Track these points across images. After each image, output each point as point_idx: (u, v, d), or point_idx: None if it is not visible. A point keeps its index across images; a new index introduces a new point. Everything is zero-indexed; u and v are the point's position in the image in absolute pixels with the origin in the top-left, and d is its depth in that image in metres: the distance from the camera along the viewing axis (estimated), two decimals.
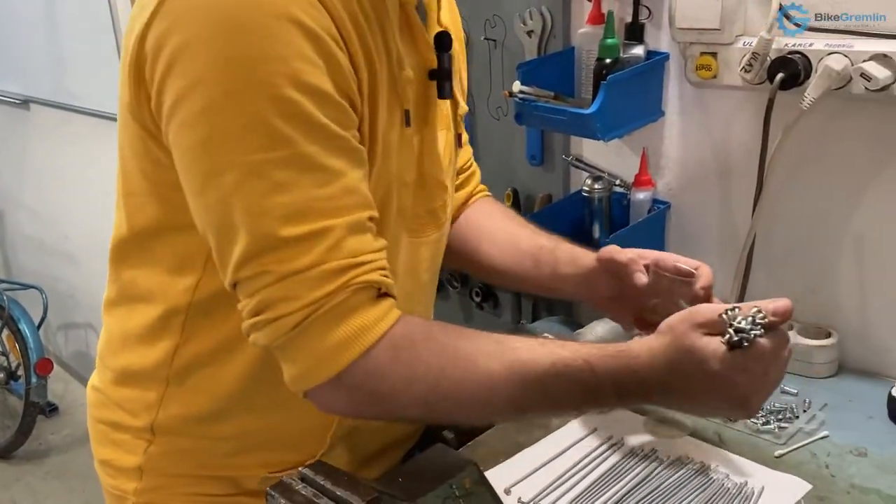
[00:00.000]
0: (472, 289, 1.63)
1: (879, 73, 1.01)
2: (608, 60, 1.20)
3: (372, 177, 0.78)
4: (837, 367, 1.17)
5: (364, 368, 0.72)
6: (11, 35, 2.89)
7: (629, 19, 1.24)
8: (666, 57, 1.25)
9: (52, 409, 3.13)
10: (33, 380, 2.79)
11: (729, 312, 0.74)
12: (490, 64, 1.48)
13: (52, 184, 3.05)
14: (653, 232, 1.32)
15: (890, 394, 1.04)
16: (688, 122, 1.27)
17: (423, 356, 0.75)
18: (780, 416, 1.04)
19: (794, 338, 1.16)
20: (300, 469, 0.76)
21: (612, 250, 0.96)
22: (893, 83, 1.01)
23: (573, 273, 1.00)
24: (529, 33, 1.39)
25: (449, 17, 0.93)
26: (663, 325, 0.78)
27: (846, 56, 1.04)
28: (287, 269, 0.70)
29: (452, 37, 0.88)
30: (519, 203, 1.51)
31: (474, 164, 1.15)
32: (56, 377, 3.07)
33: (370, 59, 0.74)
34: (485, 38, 1.47)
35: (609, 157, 1.37)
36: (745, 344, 0.73)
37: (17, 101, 2.97)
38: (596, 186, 1.33)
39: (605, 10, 1.25)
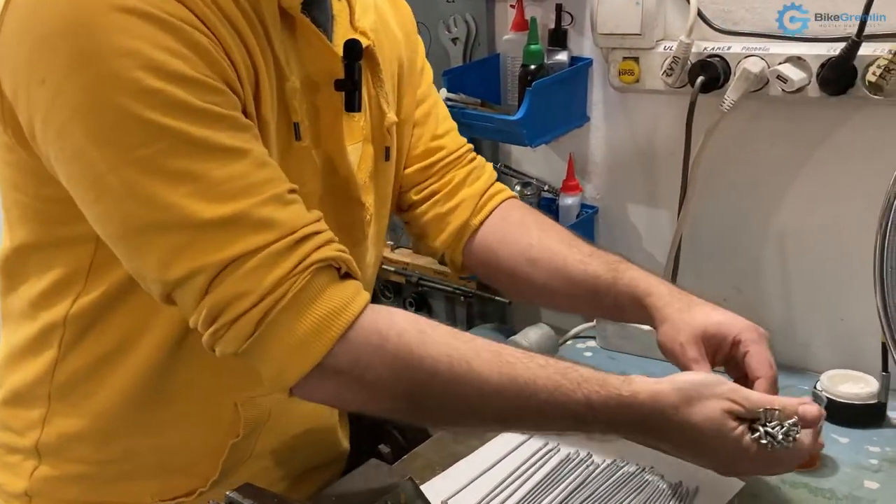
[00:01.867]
0: (405, 299, 1.61)
1: (795, 74, 1.03)
2: (533, 67, 1.20)
3: None
4: None
5: (347, 354, 0.69)
6: None
7: (552, 25, 1.25)
8: (589, 62, 1.26)
9: None
10: None
11: (767, 412, 0.76)
12: None
13: None
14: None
15: (814, 391, 1.06)
16: (613, 126, 1.28)
17: (414, 348, 0.71)
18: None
19: None
20: (227, 493, 0.73)
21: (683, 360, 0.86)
22: (808, 84, 1.04)
23: (637, 318, 0.93)
24: (454, 40, 1.38)
25: (374, 21, 0.88)
26: (689, 386, 0.76)
27: (763, 59, 1.06)
28: (219, 258, 0.65)
29: (370, 41, 0.83)
30: None
31: (478, 157, 1.01)
32: None
33: (254, 60, 0.71)
34: None
35: (537, 163, 1.37)
36: (769, 448, 0.76)
37: None
38: (525, 193, 1.33)
39: (528, 16, 1.26)
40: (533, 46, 1.21)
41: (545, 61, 1.22)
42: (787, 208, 1.16)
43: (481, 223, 0.97)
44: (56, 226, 0.74)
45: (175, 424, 0.82)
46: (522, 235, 0.96)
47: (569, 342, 1.29)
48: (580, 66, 1.25)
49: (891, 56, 0.95)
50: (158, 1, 0.64)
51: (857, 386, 1.05)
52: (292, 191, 0.71)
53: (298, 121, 0.76)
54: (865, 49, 0.99)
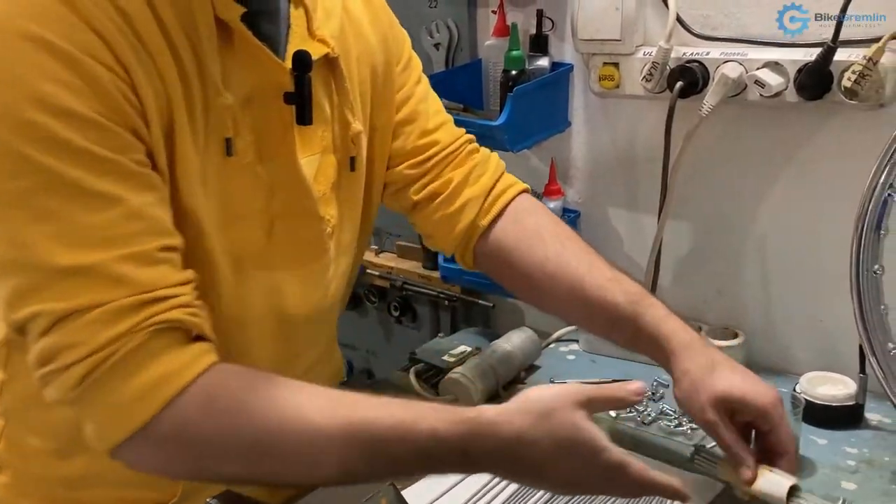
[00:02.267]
0: (389, 303, 1.62)
1: (772, 79, 1.04)
2: (514, 72, 1.21)
3: (180, 210, 0.72)
4: (746, 366, 1.20)
5: (173, 420, 0.66)
6: None
7: (533, 31, 1.26)
8: (570, 68, 1.26)
9: None
10: None
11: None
12: None
13: None
14: None
15: (793, 393, 1.07)
16: (594, 131, 1.29)
17: (244, 407, 0.68)
18: (692, 418, 1.06)
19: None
20: (207, 500, 0.73)
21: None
22: (786, 89, 1.05)
23: (651, 356, 0.90)
24: (437, 46, 1.39)
25: (341, 26, 0.85)
26: (540, 403, 0.71)
27: (741, 64, 1.07)
28: (63, 307, 0.64)
29: (330, 49, 0.81)
30: None
31: (481, 150, 0.99)
32: None
33: (165, 83, 0.69)
34: None
35: (519, 167, 1.36)
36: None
37: None
38: None
39: (509, 22, 1.27)
40: (514, 52, 1.22)
41: (526, 66, 1.23)
42: (766, 211, 1.17)
43: (491, 223, 0.95)
44: None
45: None
46: (538, 246, 0.93)
47: (552, 345, 1.30)
48: (561, 72, 1.26)
49: (865, 62, 0.96)
50: (66, 28, 0.63)
51: (835, 388, 1.06)
52: (167, 248, 0.69)
53: (231, 136, 0.74)
54: (841, 55, 1.00)
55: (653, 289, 1.26)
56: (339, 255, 0.90)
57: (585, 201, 1.34)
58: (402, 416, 0.69)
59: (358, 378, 1.67)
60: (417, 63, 0.99)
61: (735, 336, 1.20)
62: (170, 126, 0.70)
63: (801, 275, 1.17)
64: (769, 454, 0.82)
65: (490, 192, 0.96)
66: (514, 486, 0.93)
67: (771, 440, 0.82)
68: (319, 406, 0.69)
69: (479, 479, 0.95)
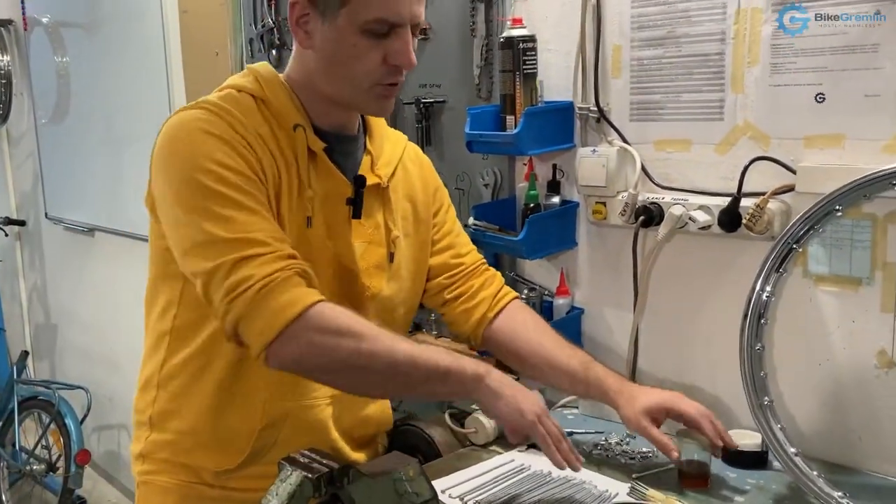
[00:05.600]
0: None
1: (702, 217, 1.49)
2: (531, 205, 1.71)
3: None
4: None
5: (307, 319, 1.08)
6: (77, 169, 3.39)
7: (550, 178, 1.76)
8: (577, 204, 1.75)
9: (81, 502, 3.44)
10: (72, 469, 3.15)
11: None
12: (460, 206, 2.00)
13: (108, 302, 3.48)
14: (569, 329, 1.77)
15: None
16: (593, 249, 1.76)
17: (344, 315, 1.12)
18: (644, 457, 1.47)
19: None
20: (301, 451, 1.17)
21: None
22: (712, 225, 1.50)
23: (597, 399, 1.42)
24: (486, 185, 1.91)
25: (394, 172, 1.32)
26: None
27: (683, 206, 1.53)
28: (235, 257, 1.07)
29: (380, 181, 1.27)
30: None
31: (491, 269, 1.48)
32: (86, 475, 3.29)
33: (277, 173, 1.17)
34: (456, 188, 1.99)
35: (542, 274, 1.85)
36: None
37: (84, 230, 3.48)
38: (531, 295, 1.80)
39: (536, 171, 1.78)
40: (531, 192, 1.72)
41: (543, 202, 1.73)
42: (707, 312, 1.59)
43: (495, 316, 1.45)
44: (165, 265, 1.22)
45: (220, 409, 1.25)
46: (524, 334, 1.43)
47: (558, 409, 1.72)
48: (569, 207, 1.74)
49: (754, 208, 1.41)
50: (226, 131, 1.14)
51: (753, 440, 1.44)
52: (280, 239, 1.12)
53: (311, 215, 1.20)
54: (745, 202, 1.44)
55: (633, 371, 1.68)
56: (378, 314, 1.30)
57: (589, 301, 1.79)
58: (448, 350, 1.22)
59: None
60: (453, 211, 1.49)
61: None
62: (277, 196, 1.17)
63: (736, 360, 1.55)
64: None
65: (496, 296, 1.45)
66: (505, 485, 1.35)
67: (687, 417, 1.34)
68: (401, 342, 1.17)
69: (482, 479, 1.37)
